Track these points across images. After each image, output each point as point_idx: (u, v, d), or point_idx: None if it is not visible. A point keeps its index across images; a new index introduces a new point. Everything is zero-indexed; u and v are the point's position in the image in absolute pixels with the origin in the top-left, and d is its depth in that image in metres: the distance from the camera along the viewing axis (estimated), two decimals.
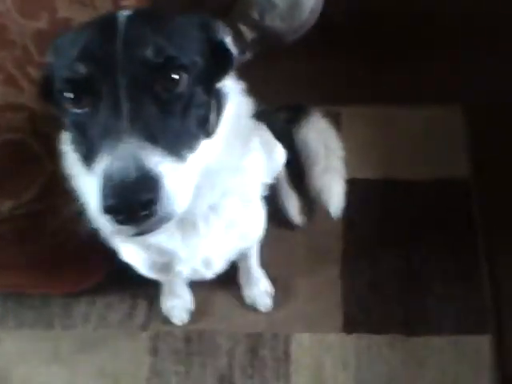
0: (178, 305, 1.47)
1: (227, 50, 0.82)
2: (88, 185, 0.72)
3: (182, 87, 0.73)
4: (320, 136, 1.52)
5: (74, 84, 0.70)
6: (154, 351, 1.44)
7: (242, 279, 1.49)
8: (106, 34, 0.71)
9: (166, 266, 1.01)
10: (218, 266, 1.06)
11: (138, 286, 1.48)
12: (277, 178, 1.48)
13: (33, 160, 0.98)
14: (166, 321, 1.47)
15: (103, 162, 0.65)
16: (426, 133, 1.74)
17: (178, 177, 0.68)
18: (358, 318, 1.47)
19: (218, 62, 0.80)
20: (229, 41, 0.82)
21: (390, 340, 1.44)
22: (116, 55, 0.69)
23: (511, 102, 1.66)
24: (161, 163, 0.65)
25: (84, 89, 0.70)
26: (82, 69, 0.69)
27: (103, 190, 0.63)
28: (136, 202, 0.63)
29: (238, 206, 0.95)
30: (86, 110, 0.71)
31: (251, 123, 0.90)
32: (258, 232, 1.11)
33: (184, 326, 1.47)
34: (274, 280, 1.51)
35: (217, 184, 0.86)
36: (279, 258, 1.54)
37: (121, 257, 1.04)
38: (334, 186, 1.50)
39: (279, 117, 1.54)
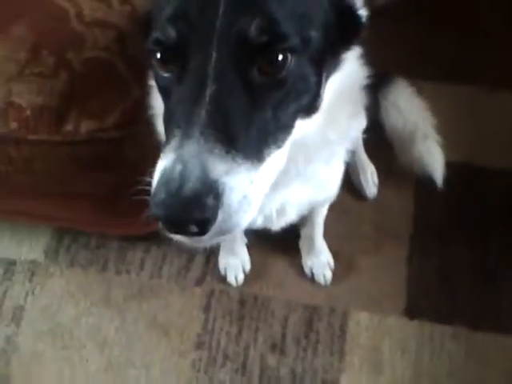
0: (235, 264, 1.41)
1: (356, 16, 0.67)
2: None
3: (286, 71, 0.60)
4: (411, 103, 1.41)
5: (162, 46, 0.62)
6: (207, 308, 1.39)
7: (304, 247, 1.43)
8: None
9: None
10: (289, 217, 0.99)
11: None
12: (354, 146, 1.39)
13: (118, 83, 0.91)
14: (222, 279, 1.42)
15: (167, 157, 0.57)
16: None
17: (247, 189, 0.58)
18: (422, 304, 1.40)
19: (342, 33, 0.67)
20: (359, 2, 0.68)
21: (454, 332, 1.36)
22: (214, 23, 0.58)
23: None
24: (229, 174, 0.56)
25: (172, 53, 0.62)
26: (171, 33, 0.60)
27: (157, 193, 0.56)
28: (187, 219, 0.55)
29: (320, 167, 0.87)
30: (171, 75, 0.63)
31: (361, 94, 0.79)
32: (333, 188, 1.03)
33: (239, 287, 1.41)
34: (336, 253, 1.45)
35: (308, 157, 0.77)
36: (344, 230, 1.47)
37: None
38: (435, 152, 1.39)
39: None
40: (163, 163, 0.56)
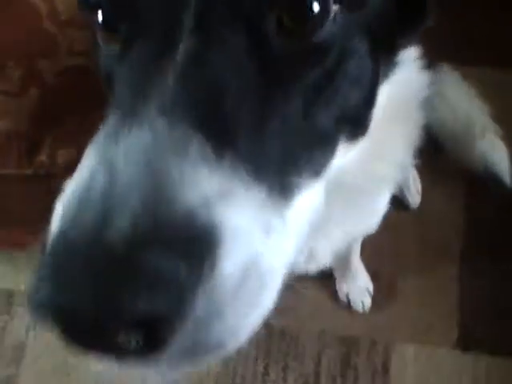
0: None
1: None
2: None
3: (326, 34, 0.36)
4: (459, 92, 1.21)
5: None
6: None
7: (338, 271, 1.26)
8: None
9: None
10: (322, 261, 0.80)
11: None
12: None
13: (101, 97, 0.73)
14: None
15: (84, 163, 0.31)
16: None
17: (261, 244, 0.31)
18: (477, 334, 1.23)
19: (402, 14, 0.43)
20: None
21: None
22: None
23: None
24: (225, 197, 0.29)
25: (120, 9, 0.37)
26: None
27: (53, 247, 0.28)
28: (116, 315, 0.26)
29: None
30: (115, 49, 0.38)
31: (419, 110, 0.56)
32: (377, 221, 0.83)
33: (265, 319, 1.24)
34: (375, 276, 1.28)
35: (348, 201, 0.54)
36: (383, 248, 1.28)
37: None
38: (499, 147, 1.19)
39: None
40: (76, 175, 0.31)
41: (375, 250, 1.27)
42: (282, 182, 0.35)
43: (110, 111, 0.33)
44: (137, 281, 0.25)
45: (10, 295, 1.33)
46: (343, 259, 1.20)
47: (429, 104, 1.25)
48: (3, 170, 0.71)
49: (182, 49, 0.32)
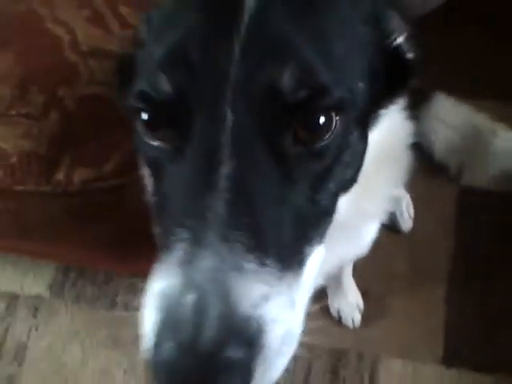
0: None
1: (404, 60, 0.51)
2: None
3: (330, 137, 0.44)
4: (457, 110, 1.26)
5: (151, 104, 0.44)
6: None
7: (330, 287, 1.29)
8: (219, 24, 0.42)
9: None
10: (317, 280, 0.85)
11: None
12: None
13: (117, 123, 0.79)
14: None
15: (168, 277, 0.40)
16: None
17: (291, 317, 0.43)
18: (462, 351, 1.27)
19: (388, 82, 0.51)
20: (404, 42, 0.51)
21: (497, 381, 1.23)
22: (227, 70, 0.41)
23: None
24: (268, 299, 0.39)
25: (165, 114, 0.44)
26: (165, 85, 0.42)
27: (158, 342, 0.39)
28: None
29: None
30: (164, 145, 0.45)
31: (405, 154, 0.63)
32: (367, 245, 0.89)
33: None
34: (365, 293, 1.32)
35: (340, 236, 0.58)
36: (375, 268, 1.31)
37: None
38: None
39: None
40: (162, 286, 0.39)
41: (366, 270, 1.31)
42: (298, 258, 0.44)
43: (167, 223, 0.43)
44: (225, 367, 0.37)
45: (14, 298, 1.37)
46: (336, 278, 1.24)
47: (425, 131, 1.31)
48: (23, 187, 0.77)
49: (225, 171, 0.41)
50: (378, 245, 1.39)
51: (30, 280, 1.38)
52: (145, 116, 0.45)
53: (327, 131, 0.44)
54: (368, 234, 0.77)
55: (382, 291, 1.32)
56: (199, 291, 0.37)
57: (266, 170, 0.42)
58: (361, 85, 0.47)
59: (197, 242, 0.39)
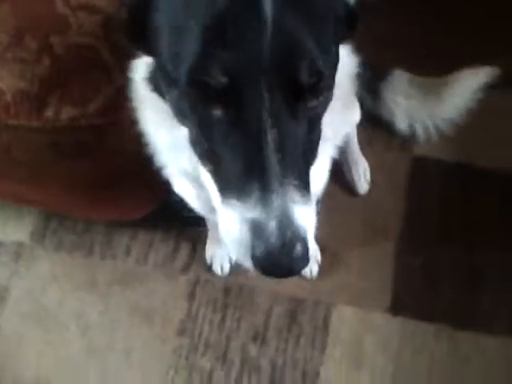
0: (222, 253, 1.40)
1: (351, 10, 0.67)
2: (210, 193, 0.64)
3: (322, 101, 0.62)
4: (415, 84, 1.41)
5: (209, 88, 0.57)
6: (191, 296, 1.39)
7: None
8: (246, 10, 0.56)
9: None
10: None
11: (182, 228, 1.43)
12: (346, 141, 1.38)
13: (101, 69, 0.89)
14: (207, 268, 1.41)
15: (252, 212, 0.57)
16: None
17: (313, 219, 0.61)
18: (406, 301, 1.40)
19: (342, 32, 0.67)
20: None
21: (437, 330, 1.36)
22: (261, 64, 0.56)
23: None
24: (307, 216, 0.59)
25: (219, 94, 0.58)
26: (223, 79, 0.56)
27: (252, 247, 0.57)
28: (294, 271, 0.59)
29: None
30: (215, 112, 0.59)
31: (353, 83, 0.81)
32: (318, 187, 1.02)
33: (224, 277, 1.41)
34: (323, 248, 1.43)
35: None
36: (333, 226, 1.43)
37: (173, 188, 0.97)
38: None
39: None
40: (253, 215, 0.56)
41: (325, 227, 1.43)
42: (308, 178, 0.62)
43: (232, 174, 0.59)
44: (299, 259, 0.57)
45: None
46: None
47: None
48: (15, 121, 0.87)
49: (270, 137, 0.57)
50: (336, 206, 1.53)
51: (12, 227, 1.47)
52: (201, 94, 0.58)
53: (322, 99, 0.62)
54: (319, 173, 0.91)
55: (338, 247, 1.45)
56: (278, 218, 0.56)
57: (293, 130, 0.59)
58: (334, 48, 0.63)
59: (266, 189, 0.57)
